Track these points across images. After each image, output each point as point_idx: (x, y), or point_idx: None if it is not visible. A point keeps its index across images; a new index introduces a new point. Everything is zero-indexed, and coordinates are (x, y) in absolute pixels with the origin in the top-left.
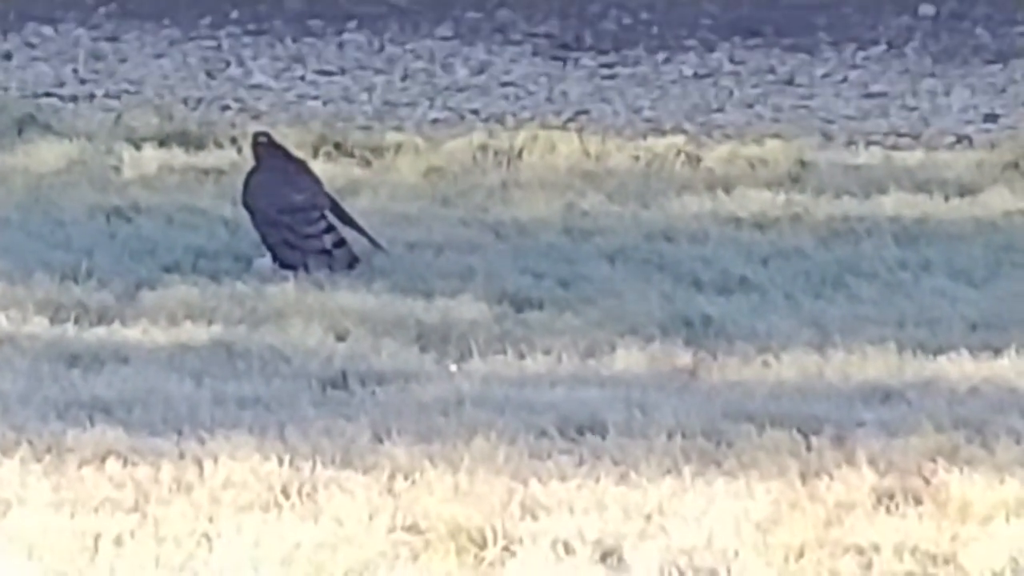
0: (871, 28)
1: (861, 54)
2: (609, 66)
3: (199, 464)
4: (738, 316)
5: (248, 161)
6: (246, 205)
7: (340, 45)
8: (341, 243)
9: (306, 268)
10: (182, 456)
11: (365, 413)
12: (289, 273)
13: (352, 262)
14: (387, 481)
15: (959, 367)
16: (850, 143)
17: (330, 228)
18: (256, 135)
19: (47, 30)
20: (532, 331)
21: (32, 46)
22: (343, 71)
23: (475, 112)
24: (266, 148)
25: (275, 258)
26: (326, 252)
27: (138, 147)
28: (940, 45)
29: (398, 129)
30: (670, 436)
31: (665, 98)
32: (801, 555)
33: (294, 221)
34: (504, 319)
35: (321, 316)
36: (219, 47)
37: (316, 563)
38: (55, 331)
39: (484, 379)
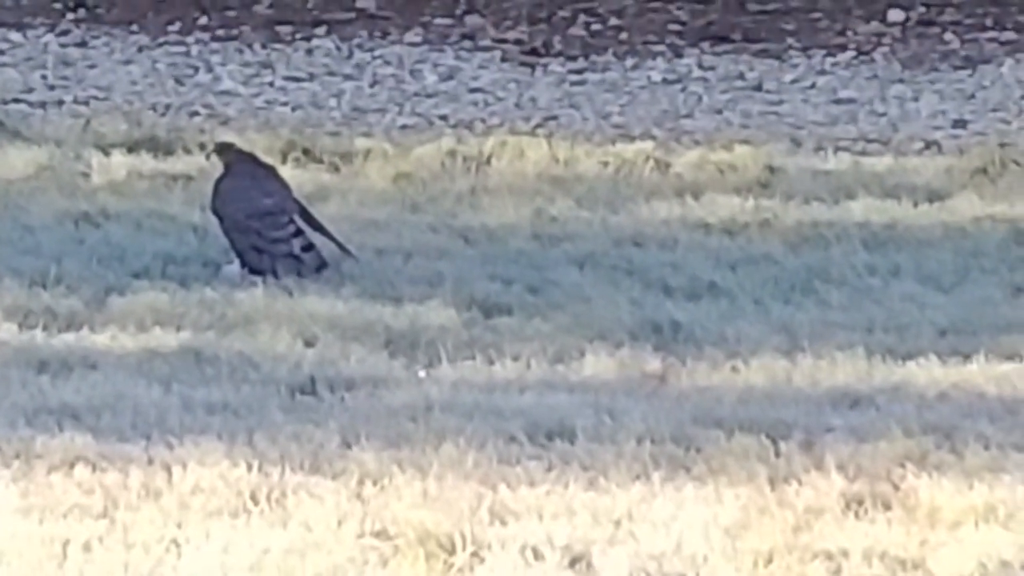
0: (840, 34)
1: (830, 60)
2: (578, 72)
3: (168, 470)
4: (707, 322)
5: (217, 167)
6: (215, 211)
7: (309, 51)
8: (310, 247)
9: (275, 273)
10: (151, 462)
11: (334, 419)
12: (258, 279)
13: (321, 266)
14: (356, 487)
15: (928, 372)
16: (819, 149)
17: (299, 232)
18: (219, 145)
19: (15, 36)
20: (501, 337)
21: (0, 52)
22: (312, 77)
23: (444, 118)
24: (234, 155)
25: (244, 264)
26: (295, 257)
27: (107, 153)
28: (909, 51)
29: (367, 135)
30: (639, 442)
31: (634, 104)
32: (770, 561)
33: (263, 226)
34: (473, 325)
35: (290, 322)
36: (188, 53)
37: (285, 569)
38: (23, 337)
39: (453, 385)
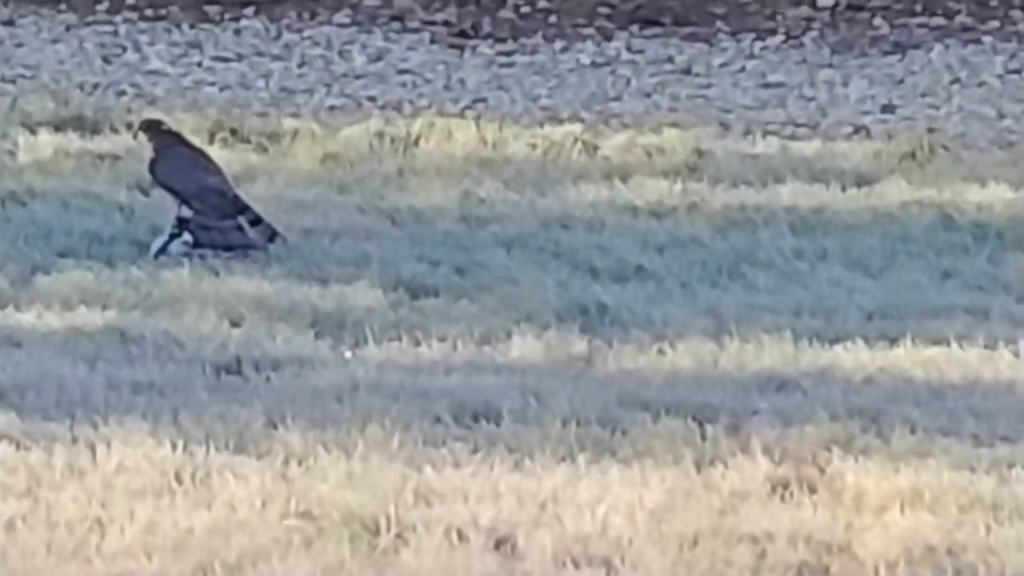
0: (769, 18)
1: (759, 44)
2: (507, 54)
3: (92, 449)
4: (634, 304)
5: (144, 146)
6: (166, 185)
7: (237, 31)
8: (258, 221)
9: (227, 248)
10: (75, 441)
11: (259, 399)
12: (184, 259)
13: (273, 236)
14: (281, 467)
15: (854, 356)
16: (747, 133)
17: (245, 208)
18: (146, 122)
19: None
20: (427, 318)
21: None
22: (240, 57)
23: (372, 99)
24: (164, 134)
25: (195, 240)
26: (241, 230)
27: (33, 132)
28: (838, 36)
29: (295, 116)
30: (565, 424)
31: (563, 87)
32: (695, 544)
33: (212, 204)
34: (399, 306)
35: (216, 302)
36: (115, 32)
37: (209, 549)
38: None
39: (379, 366)
